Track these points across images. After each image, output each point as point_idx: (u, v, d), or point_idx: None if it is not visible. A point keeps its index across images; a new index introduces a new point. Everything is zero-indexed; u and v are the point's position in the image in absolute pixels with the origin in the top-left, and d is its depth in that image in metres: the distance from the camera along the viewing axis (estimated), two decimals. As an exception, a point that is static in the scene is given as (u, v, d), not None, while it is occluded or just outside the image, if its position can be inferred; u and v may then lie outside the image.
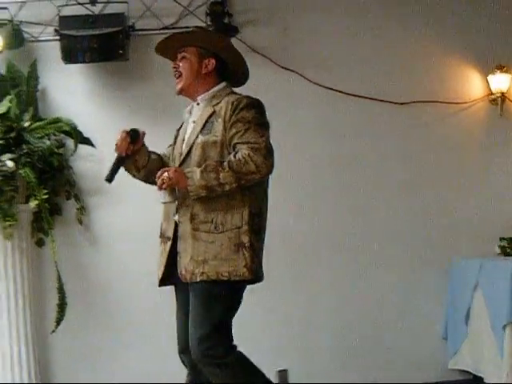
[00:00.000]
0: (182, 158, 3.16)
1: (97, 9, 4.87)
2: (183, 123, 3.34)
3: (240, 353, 3.04)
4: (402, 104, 4.93)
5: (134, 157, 3.22)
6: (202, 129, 3.12)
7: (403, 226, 4.95)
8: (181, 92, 3.26)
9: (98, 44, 4.71)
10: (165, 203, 3.13)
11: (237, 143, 3.04)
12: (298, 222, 4.90)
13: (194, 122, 3.20)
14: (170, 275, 3.17)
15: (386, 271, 4.90)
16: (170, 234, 3.16)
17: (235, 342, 3.03)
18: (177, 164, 3.17)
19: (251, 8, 4.94)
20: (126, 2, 4.81)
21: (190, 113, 3.27)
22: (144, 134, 3.22)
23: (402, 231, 4.95)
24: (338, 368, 4.82)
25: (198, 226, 3.05)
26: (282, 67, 4.91)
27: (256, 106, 3.13)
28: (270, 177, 3.12)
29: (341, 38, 4.98)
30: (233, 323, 3.04)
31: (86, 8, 4.86)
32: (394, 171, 4.97)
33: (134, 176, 3.31)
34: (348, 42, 4.98)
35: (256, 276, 3.09)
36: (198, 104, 3.23)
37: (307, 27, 4.97)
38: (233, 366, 3.00)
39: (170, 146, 3.35)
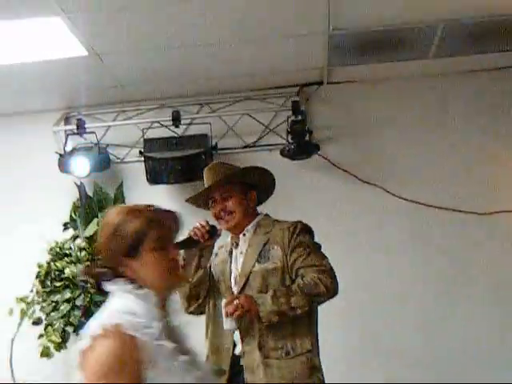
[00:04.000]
0: (240, 288, 3.15)
1: (180, 130, 4.99)
2: (216, 257, 3.32)
3: None
4: (485, 214, 4.86)
5: (202, 251, 3.21)
6: (258, 257, 3.14)
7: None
8: (234, 228, 3.25)
9: (182, 166, 4.82)
10: (230, 331, 3.08)
11: (301, 267, 3.09)
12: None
13: (241, 252, 3.22)
14: None
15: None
16: (225, 366, 3.12)
17: None
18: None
19: (331, 124, 5.01)
20: (208, 123, 4.92)
21: (234, 245, 3.27)
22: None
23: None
24: None
25: (269, 354, 3.06)
26: (364, 181, 4.93)
27: (309, 230, 3.23)
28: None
29: (421, 151, 4.97)
30: None
31: (170, 130, 4.98)
32: (481, 281, 4.84)
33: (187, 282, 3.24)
34: (428, 155, 4.97)
35: None
36: (244, 235, 3.25)
37: (387, 142, 5.00)
38: None
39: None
